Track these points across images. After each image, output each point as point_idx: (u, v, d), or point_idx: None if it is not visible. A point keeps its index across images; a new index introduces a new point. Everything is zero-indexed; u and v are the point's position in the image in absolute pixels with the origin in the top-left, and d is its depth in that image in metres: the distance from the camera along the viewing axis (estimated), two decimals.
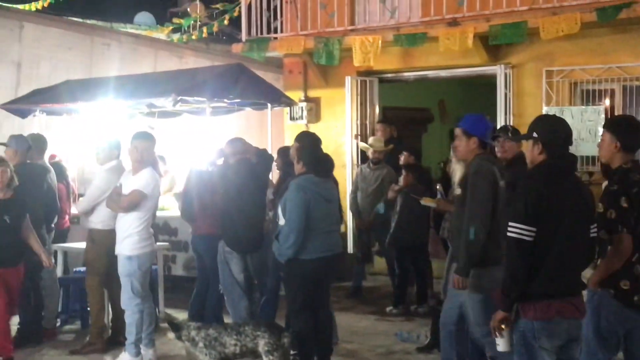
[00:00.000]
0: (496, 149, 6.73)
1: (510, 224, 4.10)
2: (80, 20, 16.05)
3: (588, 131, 9.31)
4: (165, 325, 7.23)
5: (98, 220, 7.40)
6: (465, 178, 5.62)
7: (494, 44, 9.64)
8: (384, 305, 9.25)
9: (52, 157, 9.52)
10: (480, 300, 5.42)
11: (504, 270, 4.22)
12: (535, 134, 4.25)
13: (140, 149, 6.97)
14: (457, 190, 5.77)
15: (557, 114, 8.74)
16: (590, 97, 9.67)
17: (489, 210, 5.41)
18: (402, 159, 9.43)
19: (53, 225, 8.17)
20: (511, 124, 9.69)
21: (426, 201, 7.85)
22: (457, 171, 6.80)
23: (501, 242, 5.06)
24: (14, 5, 14.50)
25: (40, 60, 12.08)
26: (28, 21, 12.21)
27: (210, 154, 8.51)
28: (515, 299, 4.16)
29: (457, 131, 5.73)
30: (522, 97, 10.02)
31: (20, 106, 10.54)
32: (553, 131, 4.26)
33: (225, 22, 17.69)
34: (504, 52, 10.09)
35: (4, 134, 9.47)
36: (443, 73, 11.09)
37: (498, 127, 9.89)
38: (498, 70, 10.07)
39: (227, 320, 7.53)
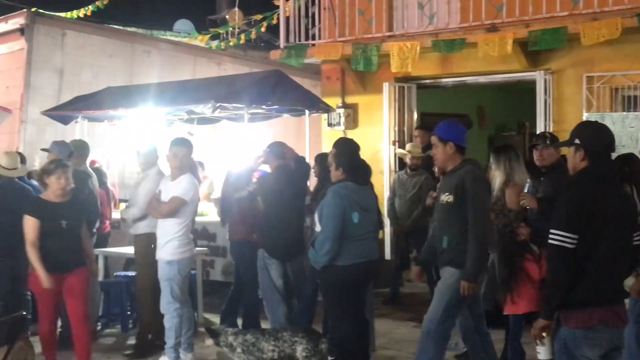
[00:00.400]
0: (535, 156, 6.69)
1: (551, 231, 4.07)
2: (121, 28, 16.30)
3: (629, 137, 9.19)
4: (204, 330, 7.32)
5: (153, 225, 7.34)
6: (457, 185, 5.70)
7: (534, 50, 9.57)
8: (422, 312, 9.09)
9: (93, 162, 9.65)
10: (454, 299, 5.70)
11: (546, 278, 4.19)
12: (577, 141, 4.21)
13: (179, 155, 7.03)
14: (448, 197, 5.77)
15: (598, 120, 8.69)
16: (631, 103, 9.55)
17: (490, 217, 5.55)
18: (437, 169, 9.38)
19: (95, 230, 8.28)
20: (551, 130, 9.61)
21: None
22: (496, 177, 6.78)
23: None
24: (57, 14, 14.76)
25: (82, 67, 12.27)
26: (70, 29, 12.42)
27: (249, 159, 8.55)
28: (556, 307, 4.12)
29: (433, 139, 5.93)
30: (562, 103, 9.92)
31: (62, 113, 10.71)
32: (596, 138, 4.22)
33: (263, 29, 17.83)
34: (544, 57, 10.01)
35: (46, 140, 9.64)
36: (482, 79, 11.04)
37: (537, 133, 9.86)
38: (538, 76, 9.99)
39: (265, 325, 7.56)
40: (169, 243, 6.91)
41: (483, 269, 5.77)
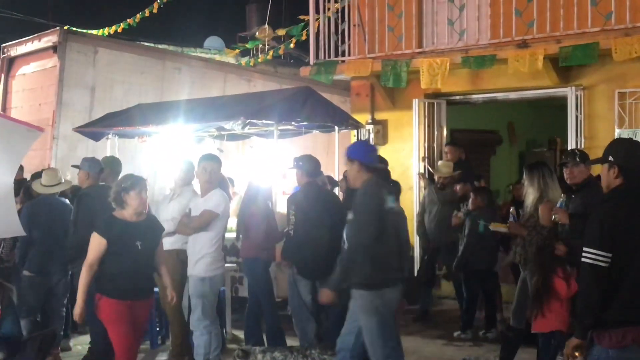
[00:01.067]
0: (565, 174, 6.62)
1: (584, 249, 4.03)
2: (152, 45, 16.45)
3: None
4: (232, 346, 7.32)
5: (181, 241, 7.35)
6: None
7: (565, 66, 9.51)
8: (452, 330, 9.13)
9: None
10: (377, 322, 5.64)
11: (578, 297, 4.14)
12: (611, 158, 4.17)
13: (209, 170, 7.07)
14: (350, 215, 5.85)
15: (630, 137, 8.62)
16: None
17: (371, 232, 5.59)
18: (458, 189, 9.44)
19: None
20: (582, 146, 9.54)
21: (495, 226, 7.76)
22: (530, 194, 6.72)
23: (392, 264, 5.73)
24: (89, 31, 14.94)
25: (113, 84, 12.38)
26: (102, 46, 12.54)
27: (272, 175, 8.58)
28: (589, 326, 4.07)
29: (345, 159, 6.02)
30: (594, 119, 9.84)
31: (93, 129, 10.81)
32: (630, 155, 4.18)
33: (292, 45, 17.93)
34: (575, 73, 9.94)
35: (78, 156, 9.72)
36: (512, 95, 10.99)
37: (566, 151, 9.78)
38: (569, 92, 9.92)
39: (294, 342, 7.53)
40: (202, 259, 6.91)
41: (346, 280, 5.78)
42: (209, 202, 6.97)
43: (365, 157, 5.89)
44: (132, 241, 5.88)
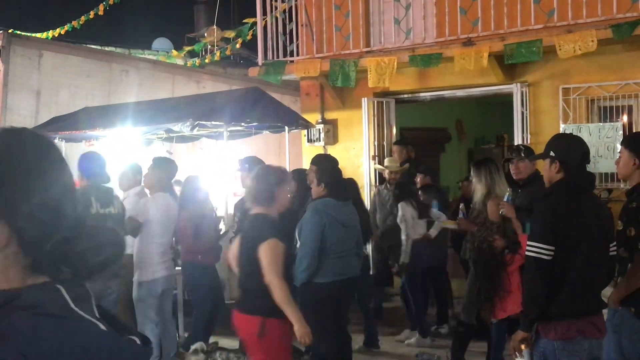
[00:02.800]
0: (511, 170, 6.72)
1: (528, 242, 4.09)
2: (98, 47, 16.23)
3: (606, 148, 9.27)
4: (183, 350, 7.28)
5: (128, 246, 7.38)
6: None
7: (510, 63, 9.64)
8: (404, 327, 9.20)
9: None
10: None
11: (523, 290, 4.20)
12: (552, 153, 4.25)
13: (151, 174, 7.13)
14: None
15: (575, 132, 8.77)
16: (607, 114, 9.63)
17: None
18: (418, 180, 9.46)
19: None
20: (528, 142, 9.68)
21: (446, 223, 7.84)
22: (477, 190, 6.81)
23: None
24: (34, 34, 14.69)
25: (59, 87, 12.20)
26: (47, 50, 12.34)
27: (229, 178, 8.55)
28: (535, 319, 4.13)
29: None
30: (539, 115, 9.99)
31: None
32: (570, 149, 4.26)
33: (238, 45, 17.87)
34: (520, 70, 10.08)
35: None
36: (459, 93, 11.10)
37: (511, 147, 9.92)
38: (514, 88, 10.06)
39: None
40: (139, 264, 6.97)
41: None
42: (135, 208, 6.98)
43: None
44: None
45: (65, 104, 11.74)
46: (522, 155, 6.52)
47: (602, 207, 4.36)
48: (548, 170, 4.27)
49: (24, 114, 11.66)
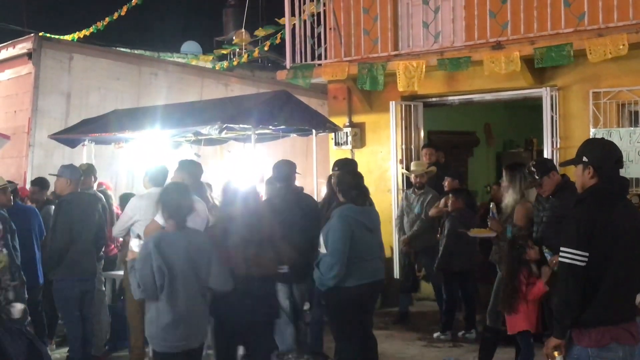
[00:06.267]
0: (537, 191, 6.63)
1: (562, 249, 4.05)
2: (128, 50, 16.37)
3: (637, 153, 9.16)
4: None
5: (135, 246, 7.37)
6: None
7: (539, 67, 9.57)
8: (432, 332, 9.16)
9: (100, 185, 9.65)
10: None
11: (557, 296, 4.15)
12: (585, 158, 4.20)
13: (179, 177, 7.15)
14: None
15: (605, 136, 8.68)
16: (638, 119, 9.52)
17: None
18: (446, 184, 9.42)
19: (102, 254, 8.24)
20: (557, 146, 9.64)
21: (474, 232, 7.78)
22: (510, 195, 6.77)
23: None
24: (64, 37, 14.83)
25: (89, 90, 12.31)
26: (77, 52, 12.46)
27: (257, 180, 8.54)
28: (568, 326, 4.09)
29: None
30: (569, 119, 9.90)
31: (69, 136, 10.73)
32: (604, 154, 4.21)
33: (266, 48, 17.92)
34: (550, 74, 10.00)
35: (54, 163, 9.66)
36: (488, 96, 11.02)
37: (545, 149, 9.85)
38: (544, 92, 9.98)
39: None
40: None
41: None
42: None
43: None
44: None
45: (95, 107, 11.85)
46: (536, 177, 6.37)
47: (637, 213, 4.30)
48: (581, 175, 4.22)
49: (54, 116, 11.79)
